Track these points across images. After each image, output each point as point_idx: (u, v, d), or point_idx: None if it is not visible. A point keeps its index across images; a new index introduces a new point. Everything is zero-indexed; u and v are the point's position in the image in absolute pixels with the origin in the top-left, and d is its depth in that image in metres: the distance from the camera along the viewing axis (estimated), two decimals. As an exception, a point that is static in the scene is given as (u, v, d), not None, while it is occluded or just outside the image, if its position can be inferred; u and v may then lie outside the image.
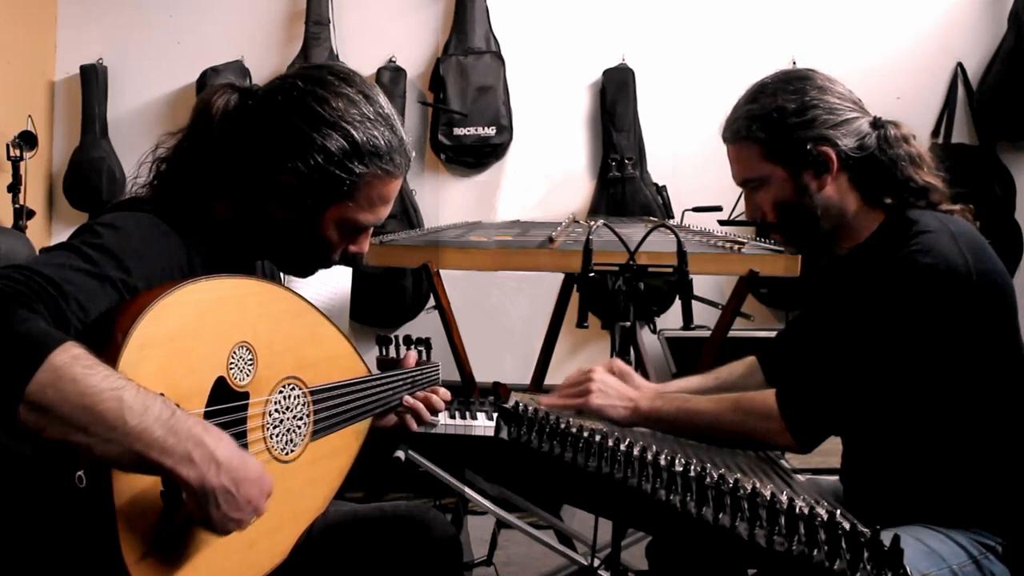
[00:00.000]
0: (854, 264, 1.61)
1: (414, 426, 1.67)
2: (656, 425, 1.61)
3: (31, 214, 3.83)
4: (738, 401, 1.56)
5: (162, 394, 1.11)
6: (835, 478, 1.76)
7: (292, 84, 1.41)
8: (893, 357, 1.45)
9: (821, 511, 1.12)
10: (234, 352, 1.27)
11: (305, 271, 1.52)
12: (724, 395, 1.62)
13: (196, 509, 1.12)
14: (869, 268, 1.54)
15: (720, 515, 1.12)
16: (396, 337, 1.85)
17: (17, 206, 3.79)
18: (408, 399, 1.67)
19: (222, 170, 1.41)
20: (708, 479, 1.16)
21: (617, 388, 1.65)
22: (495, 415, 1.45)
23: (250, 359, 1.30)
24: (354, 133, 1.38)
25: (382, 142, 1.40)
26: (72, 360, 1.03)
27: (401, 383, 1.67)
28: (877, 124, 1.60)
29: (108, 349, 1.09)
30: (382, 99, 1.44)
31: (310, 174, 1.37)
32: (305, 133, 1.37)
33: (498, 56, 4.24)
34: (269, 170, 1.38)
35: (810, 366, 1.54)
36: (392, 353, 1.84)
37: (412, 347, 1.82)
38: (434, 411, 1.70)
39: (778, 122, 1.56)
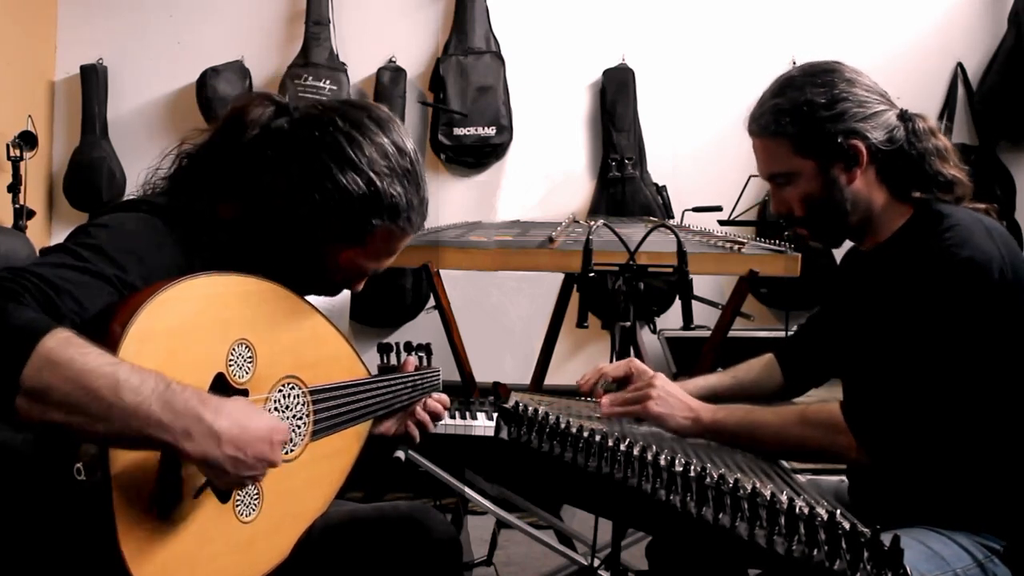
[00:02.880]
0: (883, 259, 1.59)
1: (417, 436, 1.68)
2: (717, 437, 1.58)
3: (31, 214, 3.83)
4: (803, 414, 1.53)
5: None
6: (836, 478, 1.75)
7: (331, 120, 1.41)
8: (950, 360, 1.42)
9: (821, 511, 1.11)
10: (233, 349, 1.27)
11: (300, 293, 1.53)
12: (787, 407, 1.59)
13: (208, 475, 1.14)
14: (902, 264, 1.51)
15: (720, 515, 1.12)
16: (397, 344, 1.85)
17: (17, 206, 3.78)
18: (420, 412, 1.67)
19: (241, 180, 1.41)
20: (708, 479, 1.16)
21: (679, 397, 1.61)
22: (495, 415, 1.45)
23: (249, 356, 1.30)
24: (379, 185, 1.39)
25: (403, 200, 1.42)
26: (64, 342, 1.03)
27: (402, 386, 1.66)
28: (905, 117, 1.58)
29: (107, 342, 1.09)
30: (413, 154, 1.45)
31: (325, 210, 1.38)
32: (330, 172, 1.38)
33: (498, 56, 4.24)
34: (287, 195, 1.39)
35: (863, 375, 1.51)
36: (393, 360, 1.83)
37: (413, 352, 1.81)
38: (437, 420, 1.71)
39: (808, 116, 1.53)
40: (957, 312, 1.42)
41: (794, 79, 1.59)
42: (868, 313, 1.60)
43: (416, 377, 1.71)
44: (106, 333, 1.10)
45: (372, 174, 1.38)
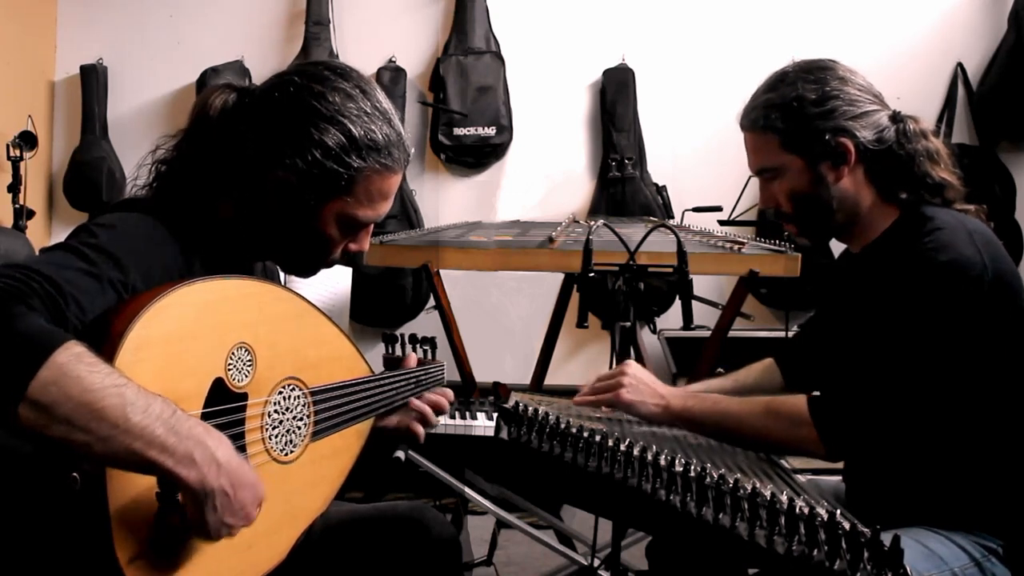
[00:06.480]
0: (870, 261, 1.59)
1: (421, 434, 1.64)
2: (686, 425, 1.59)
3: (31, 214, 3.84)
4: (768, 405, 1.54)
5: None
6: (835, 478, 1.76)
7: (288, 80, 1.40)
8: (921, 361, 1.44)
9: (821, 511, 1.12)
10: (232, 353, 1.27)
11: (307, 270, 1.52)
12: (755, 398, 1.60)
13: (193, 510, 1.11)
14: (886, 265, 1.52)
15: (720, 515, 1.12)
16: (402, 335, 1.83)
17: (17, 206, 3.79)
18: (415, 403, 1.64)
19: (222, 170, 1.40)
20: (708, 479, 1.16)
21: (649, 385, 1.63)
22: (495, 415, 1.45)
23: (249, 360, 1.29)
24: (351, 128, 1.37)
25: (380, 136, 1.40)
26: (75, 358, 1.02)
27: (404, 383, 1.66)
28: (896, 118, 1.58)
29: (104, 350, 1.08)
30: (379, 94, 1.43)
31: (308, 170, 1.36)
32: (302, 129, 1.36)
33: (498, 56, 4.24)
34: (268, 167, 1.38)
35: (839, 373, 1.52)
36: (398, 351, 1.82)
37: (418, 346, 1.80)
38: (440, 413, 1.69)
39: (798, 111, 1.54)
40: (931, 315, 1.43)
41: (787, 75, 1.59)
42: (850, 314, 1.61)
43: (419, 372, 1.70)
44: (105, 340, 1.10)
45: (343, 119, 1.37)
